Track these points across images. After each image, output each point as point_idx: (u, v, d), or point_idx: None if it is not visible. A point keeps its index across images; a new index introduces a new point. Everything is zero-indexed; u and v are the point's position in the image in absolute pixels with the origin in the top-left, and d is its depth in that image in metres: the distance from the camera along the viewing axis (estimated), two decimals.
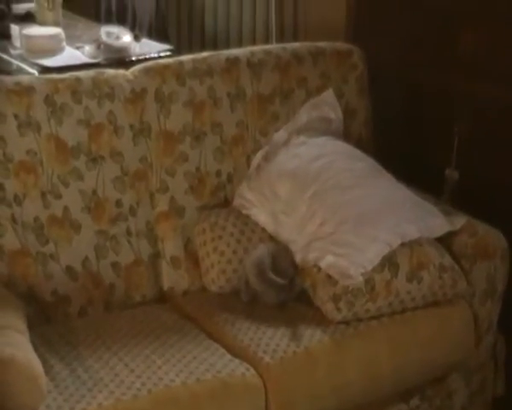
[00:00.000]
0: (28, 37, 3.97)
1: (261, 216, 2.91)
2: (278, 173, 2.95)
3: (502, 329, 2.93)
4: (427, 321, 2.72)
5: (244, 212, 2.95)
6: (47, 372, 2.26)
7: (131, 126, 2.85)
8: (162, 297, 2.87)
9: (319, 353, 2.53)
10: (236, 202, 3.00)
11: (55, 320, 2.66)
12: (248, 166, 3.05)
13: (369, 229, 2.71)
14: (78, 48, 4.04)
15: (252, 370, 2.44)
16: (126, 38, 4.07)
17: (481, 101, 3.25)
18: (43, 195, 2.68)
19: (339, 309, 2.60)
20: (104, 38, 4.00)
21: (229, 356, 2.48)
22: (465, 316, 2.80)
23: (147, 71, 2.95)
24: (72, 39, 4.10)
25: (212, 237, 2.86)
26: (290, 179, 2.91)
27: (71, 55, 3.96)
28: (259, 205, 2.92)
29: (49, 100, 2.72)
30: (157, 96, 2.90)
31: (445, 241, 2.84)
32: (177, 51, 4.07)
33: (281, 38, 3.96)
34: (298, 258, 2.76)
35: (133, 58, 3.93)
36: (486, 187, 3.22)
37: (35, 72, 3.73)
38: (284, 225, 2.84)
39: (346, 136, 3.20)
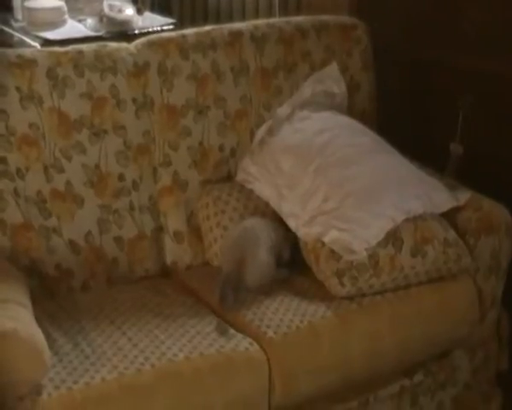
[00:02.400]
0: (30, 9, 3.95)
1: (264, 190, 2.90)
2: (282, 147, 2.94)
3: (506, 304, 2.92)
4: (431, 296, 2.72)
5: (247, 186, 2.94)
6: (50, 346, 2.26)
7: (134, 100, 2.83)
8: (165, 272, 2.87)
9: (323, 328, 2.52)
10: (239, 176, 2.98)
11: (58, 294, 2.66)
12: (252, 140, 3.03)
13: (373, 204, 2.70)
14: (80, 21, 4.03)
15: (255, 345, 2.43)
16: (129, 11, 4.07)
17: (485, 75, 3.23)
18: (45, 168, 2.67)
19: (342, 284, 2.59)
20: (107, 10, 4.00)
21: (232, 331, 2.48)
22: (469, 291, 2.79)
23: (150, 44, 2.93)
24: (75, 12, 4.09)
25: (215, 211, 2.85)
26: (294, 154, 2.90)
27: (73, 27, 3.95)
28: (263, 179, 2.91)
29: (51, 73, 2.71)
30: (160, 69, 2.89)
31: (449, 216, 2.82)
32: (179, 25, 4.06)
33: (284, 11, 3.94)
34: (301, 233, 2.75)
35: (136, 31, 3.93)
36: (491, 161, 3.20)
37: (37, 44, 3.72)
38: (287, 199, 2.83)
39: (350, 110, 3.18)
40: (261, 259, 2.65)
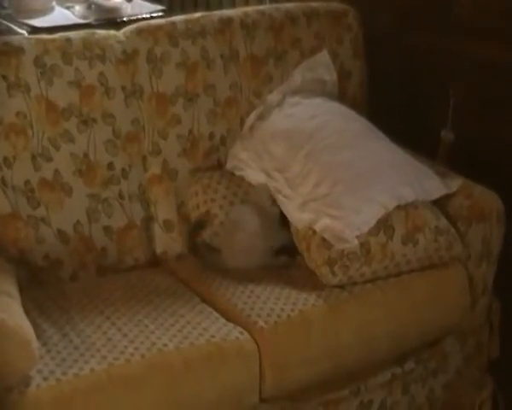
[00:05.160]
0: None
1: (255, 176, 2.88)
2: (272, 133, 2.93)
3: (497, 291, 2.92)
4: (423, 284, 2.71)
5: (238, 173, 2.93)
6: (39, 337, 2.25)
7: (123, 88, 2.82)
8: (155, 261, 2.86)
9: (314, 316, 2.51)
10: (230, 163, 2.97)
11: (47, 285, 2.64)
12: (242, 128, 3.02)
13: (364, 190, 2.70)
14: (68, 8, 4.00)
15: (246, 334, 2.42)
16: None
17: (477, 62, 3.22)
18: (33, 157, 2.65)
19: (334, 273, 2.58)
20: None
21: (223, 320, 2.47)
22: (460, 279, 2.79)
23: (139, 32, 2.91)
24: None
25: (205, 199, 2.84)
26: (284, 139, 2.89)
27: (61, 15, 3.92)
28: (253, 164, 2.90)
29: (38, 61, 2.69)
30: (149, 57, 2.87)
31: (440, 203, 2.82)
32: (169, 12, 4.02)
33: None
34: (293, 217, 2.73)
35: (125, 19, 3.89)
36: (482, 148, 3.19)
37: (24, 32, 3.69)
38: (278, 183, 2.81)
39: (341, 97, 3.18)
40: (239, 242, 2.69)
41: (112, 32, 2.91)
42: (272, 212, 2.77)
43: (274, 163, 2.86)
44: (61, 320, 2.41)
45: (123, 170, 2.80)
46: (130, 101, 2.83)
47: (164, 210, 2.87)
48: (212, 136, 2.97)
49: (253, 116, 3.02)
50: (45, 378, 2.15)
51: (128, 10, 3.99)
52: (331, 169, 2.75)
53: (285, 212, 2.75)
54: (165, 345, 2.32)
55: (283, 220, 2.76)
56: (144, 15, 3.92)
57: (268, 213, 2.76)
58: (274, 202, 2.77)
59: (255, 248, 2.70)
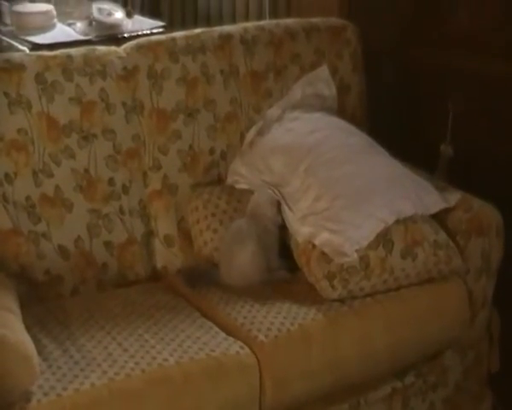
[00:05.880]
0: (19, 13, 3.94)
1: (256, 188, 2.89)
2: (272, 147, 2.94)
3: (496, 304, 2.92)
4: (422, 298, 2.71)
5: (238, 188, 2.93)
6: (39, 352, 2.25)
7: (124, 104, 2.83)
8: (155, 276, 2.86)
9: (314, 331, 2.52)
10: (230, 178, 2.98)
11: (48, 300, 2.65)
12: (242, 143, 3.03)
13: (363, 205, 2.70)
14: (69, 24, 4.03)
15: (246, 348, 2.43)
16: (118, 14, 4.06)
17: (476, 76, 3.23)
18: (34, 173, 2.66)
19: (333, 287, 2.59)
20: (96, 14, 3.99)
21: (223, 335, 2.47)
22: (460, 292, 2.79)
23: (139, 48, 2.93)
24: (64, 16, 4.09)
25: (205, 214, 2.85)
26: (284, 153, 2.90)
27: (62, 31, 3.95)
28: (253, 179, 2.91)
29: (39, 77, 2.70)
30: (149, 73, 2.89)
31: (439, 217, 2.82)
32: (169, 27, 4.05)
33: (274, 14, 3.94)
34: (293, 230, 2.74)
35: (125, 35, 3.93)
36: (481, 162, 3.20)
37: (26, 49, 3.72)
38: (278, 197, 2.82)
39: (341, 112, 3.19)
40: (240, 259, 2.68)
41: (112, 48, 2.93)
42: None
43: (274, 178, 2.87)
44: (61, 336, 2.42)
45: (123, 185, 2.81)
46: (130, 116, 2.84)
47: (164, 225, 2.88)
48: (212, 151, 2.98)
49: (252, 131, 3.03)
50: (46, 394, 2.15)
51: (129, 26, 4.02)
52: (331, 184, 2.76)
53: (287, 223, 2.76)
54: (166, 360, 2.32)
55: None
56: (145, 31, 3.95)
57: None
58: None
59: (253, 267, 2.69)
